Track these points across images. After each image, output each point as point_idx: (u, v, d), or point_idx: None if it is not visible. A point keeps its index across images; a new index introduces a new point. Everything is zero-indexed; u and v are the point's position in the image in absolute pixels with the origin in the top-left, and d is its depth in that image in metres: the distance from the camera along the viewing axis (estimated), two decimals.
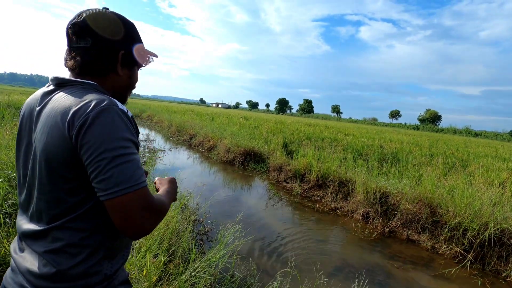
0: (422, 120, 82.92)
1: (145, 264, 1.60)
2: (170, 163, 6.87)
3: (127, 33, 0.76)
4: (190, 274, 1.63)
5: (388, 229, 3.91)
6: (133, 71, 0.81)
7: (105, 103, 0.64)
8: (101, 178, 0.60)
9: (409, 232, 3.81)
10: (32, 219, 0.69)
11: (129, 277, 1.66)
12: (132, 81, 0.82)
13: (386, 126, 68.39)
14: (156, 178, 0.92)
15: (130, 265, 1.63)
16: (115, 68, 0.76)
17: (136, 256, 1.70)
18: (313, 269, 2.85)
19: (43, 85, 0.77)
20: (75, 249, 0.65)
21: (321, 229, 4.02)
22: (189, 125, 11.90)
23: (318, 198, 5.13)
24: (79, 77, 0.73)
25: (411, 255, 3.41)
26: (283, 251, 3.19)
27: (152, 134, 12.34)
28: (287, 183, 5.91)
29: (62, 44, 0.78)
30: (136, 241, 1.91)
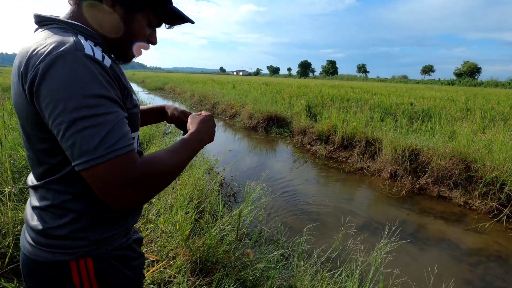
0: (458, 74, 76.51)
1: (177, 220, 1.71)
2: None
3: None
4: (219, 227, 1.72)
5: (417, 186, 3.81)
6: (133, 17, 0.63)
7: (64, 47, 0.50)
8: (64, 145, 0.50)
9: (440, 188, 3.70)
10: (31, 173, 0.66)
11: (164, 232, 1.80)
12: (130, 29, 0.63)
13: (418, 83, 64.05)
14: (190, 117, 0.79)
15: (164, 222, 1.75)
16: None
17: (169, 214, 1.82)
18: (340, 225, 2.90)
19: None
20: (58, 210, 0.60)
21: (348, 189, 4.01)
22: (211, 94, 11.92)
23: (344, 159, 5.07)
24: (71, 14, 0.61)
25: (442, 211, 3.34)
26: (309, 209, 3.26)
27: (176, 105, 12.56)
28: (312, 145, 5.86)
29: None
30: (168, 200, 2.04)
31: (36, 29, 0.59)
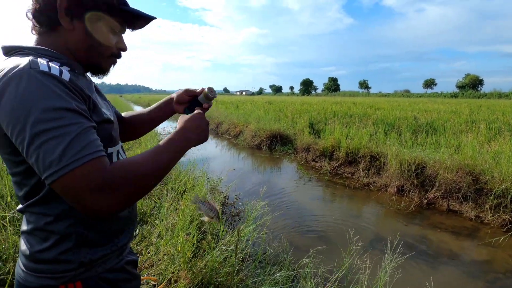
0: (461, 87, 76.67)
1: (179, 242, 1.68)
2: (199, 152, 7.06)
3: None
4: (221, 248, 1.69)
5: (426, 200, 3.72)
6: (93, 26, 0.61)
7: (17, 68, 0.49)
8: (30, 162, 0.49)
9: (449, 202, 3.60)
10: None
11: (165, 254, 1.76)
12: (94, 40, 0.62)
13: (420, 97, 64.14)
14: (180, 116, 0.76)
15: (165, 244, 1.73)
16: (56, 19, 0.59)
17: (171, 235, 1.79)
18: (347, 243, 2.82)
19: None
20: (42, 233, 0.59)
21: (354, 205, 3.93)
22: (215, 114, 12.07)
23: (349, 175, 5.01)
24: (36, 41, 0.61)
25: (453, 225, 3.23)
26: (315, 227, 3.18)
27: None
28: (316, 162, 5.82)
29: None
30: (169, 221, 2.01)
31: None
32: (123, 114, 0.93)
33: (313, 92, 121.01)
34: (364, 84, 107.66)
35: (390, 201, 3.88)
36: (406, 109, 12.56)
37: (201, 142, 0.71)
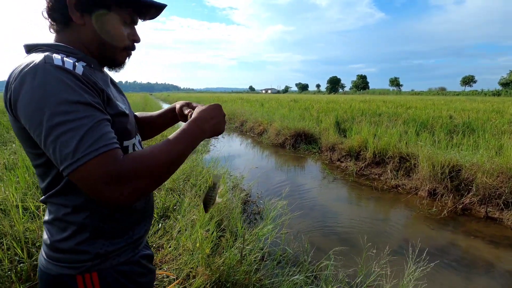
0: (504, 84, 70.80)
1: (198, 238, 1.69)
2: (223, 149, 7.14)
3: None
4: (239, 246, 1.68)
5: (461, 206, 3.47)
6: (103, 19, 0.62)
7: (33, 64, 0.51)
8: (48, 154, 0.52)
9: (488, 209, 3.32)
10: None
11: (185, 249, 1.79)
12: (106, 33, 0.63)
13: (458, 95, 60.16)
14: (197, 107, 0.74)
15: (185, 239, 1.75)
16: (68, 16, 0.60)
17: (191, 231, 1.81)
18: (373, 248, 2.70)
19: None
20: (61, 224, 0.62)
21: (381, 208, 3.76)
22: (239, 112, 12.15)
23: (376, 176, 4.80)
24: (55, 39, 0.63)
25: (491, 234, 2.98)
26: (339, 229, 3.09)
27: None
28: (341, 162, 5.65)
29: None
30: (190, 217, 2.04)
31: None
32: (137, 113, 0.94)
33: (340, 90, 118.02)
34: (395, 82, 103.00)
35: (421, 205, 3.66)
36: (440, 108, 11.82)
37: (216, 134, 0.70)
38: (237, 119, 11.56)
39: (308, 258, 2.16)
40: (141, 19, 0.70)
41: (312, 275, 1.85)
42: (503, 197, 3.21)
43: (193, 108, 0.80)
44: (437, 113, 9.43)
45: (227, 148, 7.34)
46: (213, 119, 0.68)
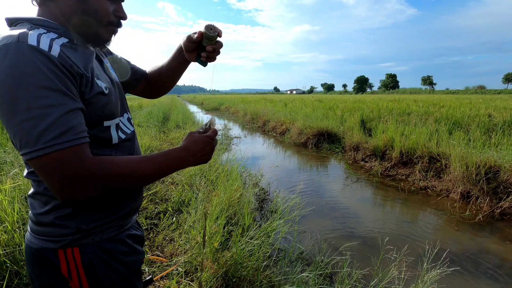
0: None
1: (207, 231, 1.67)
2: (244, 148, 7.15)
3: None
4: (246, 241, 1.63)
5: (499, 210, 3.16)
6: None
7: (6, 41, 0.49)
8: (10, 136, 0.50)
9: None
10: None
11: (197, 242, 1.77)
12: (87, 5, 0.59)
13: (499, 93, 55.75)
14: (189, 133, 0.72)
15: (195, 233, 1.74)
16: None
17: (201, 225, 1.80)
18: (400, 253, 2.53)
19: None
20: (43, 197, 0.61)
21: (409, 210, 3.53)
22: (262, 112, 12.12)
23: (403, 177, 4.53)
24: (37, 13, 0.60)
25: None
26: (361, 231, 2.93)
27: (230, 124, 13.08)
28: (366, 162, 5.41)
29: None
30: (202, 210, 2.03)
31: None
32: (147, 69, 0.94)
33: (368, 90, 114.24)
34: (428, 80, 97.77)
35: (452, 208, 3.39)
36: (478, 107, 10.96)
37: (199, 164, 0.70)
38: (260, 119, 11.54)
39: (324, 258, 2.06)
40: None
41: (324, 273, 1.75)
42: None
43: (192, 40, 0.76)
44: (473, 111, 8.76)
45: (248, 147, 7.33)
46: (200, 152, 0.66)
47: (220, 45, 0.77)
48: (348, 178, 4.75)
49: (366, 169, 5.13)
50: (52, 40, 0.54)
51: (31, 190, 0.64)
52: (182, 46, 0.82)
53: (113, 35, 0.67)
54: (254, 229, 1.77)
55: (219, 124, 12.36)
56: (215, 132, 0.73)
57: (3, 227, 1.42)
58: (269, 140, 8.51)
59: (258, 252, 1.58)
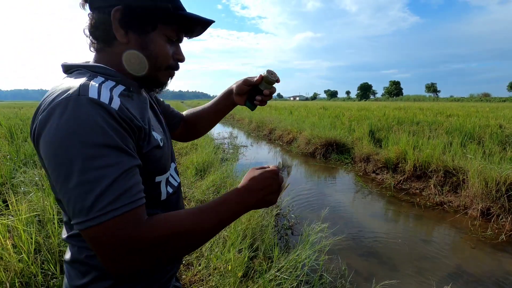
0: None
1: (230, 259, 1.59)
2: (251, 157, 7.07)
3: None
4: (275, 274, 1.55)
5: None
6: (147, 37, 0.57)
7: (67, 93, 0.45)
8: (63, 201, 0.45)
9: None
10: None
11: (215, 270, 1.69)
12: (148, 51, 0.57)
13: (504, 101, 55.45)
14: (250, 169, 0.66)
15: (216, 259, 1.66)
16: (113, 33, 0.55)
17: (222, 251, 1.72)
18: (418, 274, 2.42)
19: None
20: (82, 267, 0.54)
21: (425, 227, 3.42)
22: (268, 120, 12.08)
23: (417, 191, 4.42)
24: (94, 59, 0.59)
25: None
26: (378, 251, 2.83)
27: (235, 131, 13.04)
28: (377, 174, 5.31)
29: None
30: (221, 234, 1.95)
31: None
32: (184, 112, 0.91)
33: (371, 96, 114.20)
34: (432, 88, 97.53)
35: (472, 226, 3.27)
36: (487, 116, 10.85)
37: (264, 207, 0.60)
38: (266, 127, 11.49)
39: (346, 283, 1.96)
40: (186, 36, 0.65)
41: None
42: None
43: (248, 83, 0.76)
44: (483, 121, 8.64)
45: (256, 156, 7.27)
46: (263, 190, 0.57)
47: (274, 90, 0.76)
48: (359, 191, 4.65)
49: (378, 181, 5.03)
50: (111, 90, 0.51)
51: (69, 256, 0.58)
52: (234, 89, 0.81)
53: (170, 79, 0.64)
54: (280, 258, 1.69)
55: (225, 132, 12.33)
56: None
57: (19, 255, 1.36)
58: (276, 149, 8.44)
59: (285, 283, 1.49)
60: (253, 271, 1.63)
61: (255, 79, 0.75)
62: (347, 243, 2.94)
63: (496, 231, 3.13)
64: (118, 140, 0.46)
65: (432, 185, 4.23)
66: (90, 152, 0.43)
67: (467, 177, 3.78)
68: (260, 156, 7.48)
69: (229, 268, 1.53)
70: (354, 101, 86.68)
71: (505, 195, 3.28)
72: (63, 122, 0.43)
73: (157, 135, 0.60)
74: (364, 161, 5.82)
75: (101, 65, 0.56)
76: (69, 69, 0.56)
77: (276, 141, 9.62)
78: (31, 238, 1.40)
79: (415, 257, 2.72)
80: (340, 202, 4.13)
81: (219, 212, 0.52)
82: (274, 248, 1.78)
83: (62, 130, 0.43)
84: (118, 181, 0.44)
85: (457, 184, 4.00)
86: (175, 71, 0.64)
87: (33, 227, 1.49)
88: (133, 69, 0.58)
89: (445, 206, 3.85)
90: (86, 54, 0.63)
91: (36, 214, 1.74)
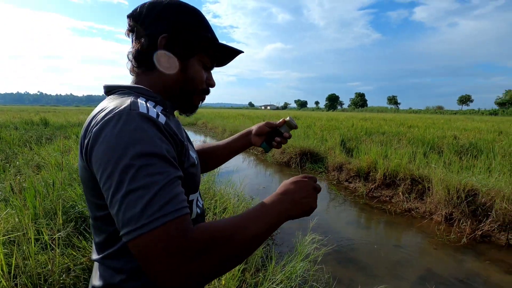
0: (501, 104, 72.02)
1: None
2: (225, 167, 7.04)
3: (177, 15, 0.60)
4: (272, 286, 1.56)
5: (480, 232, 3.35)
6: (188, 63, 0.62)
7: (119, 109, 0.48)
8: (112, 213, 0.45)
9: (509, 236, 3.21)
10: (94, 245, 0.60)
11: (210, 286, 1.66)
12: (188, 75, 0.62)
13: (455, 113, 60.94)
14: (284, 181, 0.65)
15: None
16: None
17: None
18: (392, 277, 2.56)
19: None
20: None
21: (395, 233, 3.63)
22: (242, 129, 12.11)
23: (387, 198, 4.69)
24: (134, 81, 0.63)
25: None
26: (356, 257, 2.95)
27: (208, 140, 12.90)
28: (350, 182, 5.55)
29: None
30: None
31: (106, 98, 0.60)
32: (195, 145, 0.91)
33: (339, 107, 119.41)
34: (393, 100, 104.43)
35: (438, 230, 3.54)
36: (442, 127, 11.87)
37: (306, 213, 0.58)
38: None
39: None
40: (217, 65, 0.71)
41: None
42: None
43: (271, 126, 0.85)
44: (440, 132, 9.44)
45: (231, 166, 7.24)
46: (297, 193, 0.57)
47: (291, 135, 0.84)
48: (334, 199, 4.82)
49: (351, 190, 5.26)
50: (154, 107, 0.55)
51: (100, 281, 0.55)
52: (254, 130, 0.87)
53: (201, 102, 0.69)
54: (279, 273, 1.70)
55: (198, 140, 12.15)
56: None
57: None
58: (251, 158, 8.49)
59: None
60: (246, 284, 1.63)
61: (278, 122, 0.84)
62: (327, 251, 3.03)
63: (458, 234, 3.41)
64: (164, 150, 0.47)
65: (400, 193, 4.52)
66: (141, 161, 0.44)
67: (431, 185, 4.10)
68: (234, 165, 7.46)
69: (223, 283, 1.51)
70: (323, 111, 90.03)
71: (464, 201, 3.59)
72: (116, 132, 0.45)
73: (193, 154, 0.63)
74: (337, 170, 6.06)
75: (142, 86, 0.59)
76: (112, 89, 0.60)
77: (251, 150, 9.67)
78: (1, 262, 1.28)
79: (389, 262, 2.88)
80: (316, 211, 4.24)
81: (262, 218, 0.51)
82: (266, 260, 1.79)
83: (115, 140, 0.45)
84: (166, 188, 0.44)
85: (423, 192, 4.31)
86: (206, 95, 0.69)
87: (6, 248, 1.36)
88: (173, 93, 0.63)
89: (413, 212, 4.13)
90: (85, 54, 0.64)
91: (6, 234, 1.59)
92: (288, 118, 0.83)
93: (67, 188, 2.49)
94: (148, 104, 0.53)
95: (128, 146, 0.44)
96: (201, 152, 0.89)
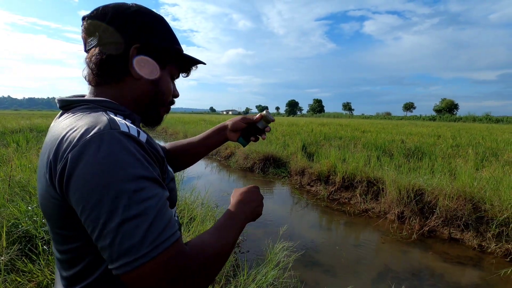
0: (438, 111, 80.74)
1: None
2: (187, 173, 6.85)
3: (145, 24, 0.56)
4: None
5: (427, 228, 3.69)
6: (160, 76, 0.60)
7: (97, 128, 0.43)
8: (101, 245, 0.40)
9: (450, 230, 3.58)
10: (58, 279, 0.53)
11: None
12: (159, 87, 0.59)
13: (401, 119, 66.84)
14: (234, 190, 0.70)
15: None
16: (127, 69, 0.55)
17: None
18: (354, 276, 2.70)
19: None
20: None
21: (354, 233, 3.84)
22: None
23: (346, 200, 4.95)
24: (95, 92, 0.56)
25: (457, 255, 3.19)
26: (319, 260, 3.05)
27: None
28: (311, 186, 5.75)
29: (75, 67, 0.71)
30: None
31: (61, 114, 0.54)
32: (166, 145, 0.87)
33: (298, 112, 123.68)
34: (347, 106, 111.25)
35: (391, 228, 3.82)
36: (391, 132, 12.92)
37: (256, 218, 0.65)
38: None
39: None
40: (183, 74, 0.69)
41: None
42: (463, 219, 3.50)
43: (246, 121, 0.83)
44: (390, 137, 10.26)
45: (193, 172, 7.05)
46: (253, 202, 0.64)
47: (269, 129, 0.84)
48: (297, 203, 4.95)
49: (312, 193, 5.45)
50: (124, 119, 0.51)
51: None
52: (229, 125, 0.84)
53: (166, 114, 0.67)
54: (245, 281, 1.67)
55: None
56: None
57: None
58: (214, 164, 8.37)
59: None
60: None
61: (255, 117, 0.83)
62: (296, 257, 3.08)
63: (409, 231, 3.72)
64: (153, 172, 0.45)
65: (358, 194, 4.80)
66: (132, 186, 0.41)
67: (385, 186, 4.42)
68: (197, 171, 7.29)
69: None
70: (283, 116, 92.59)
71: (413, 200, 3.94)
72: (101, 157, 0.41)
73: (170, 168, 0.61)
74: (300, 174, 6.24)
75: (107, 99, 0.54)
76: (68, 104, 0.53)
77: (214, 156, 9.54)
78: None
79: (350, 262, 3.02)
80: (279, 215, 4.31)
81: (231, 227, 0.55)
82: (237, 269, 1.76)
83: (101, 166, 0.40)
84: (160, 213, 0.42)
85: (378, 193, 4.63)
86: (171, 106, 0.67)
87: None
88: (142, 106, 0.60)
89: (369, 212, 4.41)
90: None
91: None
92: (264, 112, 0.82)
93: (8, 204, 2.21)
94: (125, 121, 0.49)
95: (116, 170, 0.40)
96: (174, 150, 0.86)
